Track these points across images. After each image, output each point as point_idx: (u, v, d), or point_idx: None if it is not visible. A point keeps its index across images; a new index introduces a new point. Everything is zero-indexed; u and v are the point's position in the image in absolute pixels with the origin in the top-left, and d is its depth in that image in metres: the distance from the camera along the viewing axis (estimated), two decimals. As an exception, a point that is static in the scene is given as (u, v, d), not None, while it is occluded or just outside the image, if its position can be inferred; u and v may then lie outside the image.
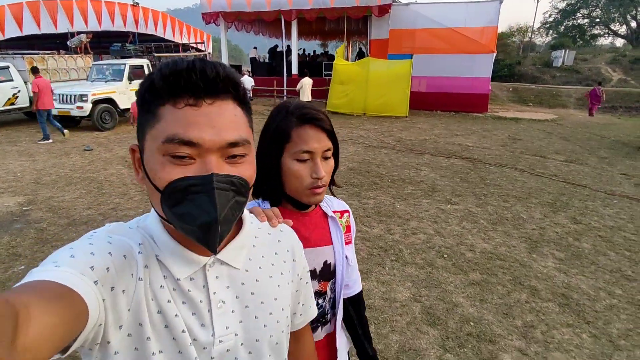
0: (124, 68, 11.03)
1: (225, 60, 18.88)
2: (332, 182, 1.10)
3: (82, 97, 9.96)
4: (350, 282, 1.18)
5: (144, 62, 11.84)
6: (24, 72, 10.98)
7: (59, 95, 10.14)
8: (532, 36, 47.56)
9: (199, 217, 0.53)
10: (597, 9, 42.35)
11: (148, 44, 16.69)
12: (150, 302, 0.57)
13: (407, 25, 15.19)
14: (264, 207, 0.98)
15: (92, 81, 11.22)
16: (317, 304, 1.02)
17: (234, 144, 0.56)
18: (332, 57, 17.22)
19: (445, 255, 3.74)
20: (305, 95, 11.74)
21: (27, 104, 11.01)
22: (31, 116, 11.73)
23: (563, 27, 44.74)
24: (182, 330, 0.59)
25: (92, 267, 0.50)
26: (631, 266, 3.61)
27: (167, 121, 0.53)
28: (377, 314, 2.87)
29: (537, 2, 46.21)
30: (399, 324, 2.76)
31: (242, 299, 0.66)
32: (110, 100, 10.51)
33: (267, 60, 20.82)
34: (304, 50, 21.97)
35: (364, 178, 6.22)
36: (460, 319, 2.81)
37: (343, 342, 1.17)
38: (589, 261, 3.70)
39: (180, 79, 0.53)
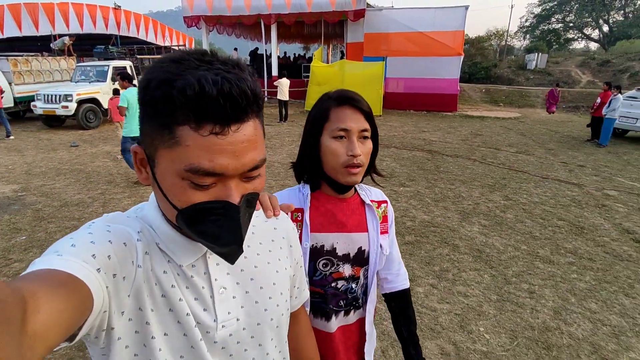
0: (108, 69, 11.50)
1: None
2: (374, 170, 1.13)
3: (67, 97, 10.40)
4: (391, 275, 1.19)
5: (126, 63, 12.31)
6: (8, 74, 11.33)
7: (44, 95, 10.55)
8: (507, 40, 49.26)
9: (221, 238, 0.55)
10: (571, 14, 43.91)
11: (130, 46, 17.10)
12: (153, 287, 0.58)
13: (380, 29, 15.99)
14: (304, 191, 1.08)
15: (76, 82, 11.65)
16: (351, 288, 1.09)
17: (254, 168, 0.56)
18: (312, 60, 17.91)
19: (389, 224, 4.43)
20: (283, 95, 12.38)
21: (12, 104, 11.36)
22: (15, 116, 12.09)
23: (539, 31, 46.13)
24: (187, 314, 0.60)
25: (93, 255, 0.51)
26: (540, 230, 4.37)
27: (189, 148, 0.51)
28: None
29: (512, 7, 47.98)
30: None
31: (242, 284, 0.68)
32: (94, 100, 10.98)
33: (248, 63, 21.39)
34: (285, 52, 22.62)
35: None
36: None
37: (374, 333, 1.20)
38: (507, 227, 4.44)
39: (208, 106, 0.50)
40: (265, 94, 17.44)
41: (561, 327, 2.72)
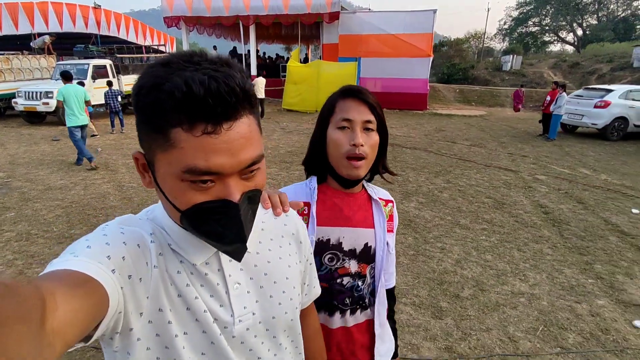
0: (88, 67, 11.88)
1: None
2: (385, 167, 1.13)
3: (47, 94, 10.75)
4: (387, 274, 1.16)
5: (106, 62, 12.70)
6: (-11, 71, 11.61)
7: (25, 92, 10.89)
8: (485, 42, 50.73)
9: (225, 236, 0.56)
10: (547, 18, 45.34)
11: (110, 45, 17.43)
12: (169, 287, 0.59)
13: (354, 31, 16.72)
14: (311, 185, 1.07)
15: (56, 79, 11.96)
16: (357, 286, 1.07)
17: (252, 164, 0.57)
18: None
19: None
20: (259, 93, 12.94)
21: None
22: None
23: (517, 34, 47.28)
24: (204, 311, 0.61)
25: (108, 256, 0.52)
26: (467, 205, 5.10)
27: (184, 150, 0.51)
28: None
29: (488, 11, 49.44)
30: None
31: (256, 279, 0.69)
32: (74, 97, 11.33)
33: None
34: (264, 53, 23.17)
35: (296, 157, 7.53)
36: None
37: (387, 334, 1.17)
38: (440, 203, 5.16)
39: (196, 106, 0.50)
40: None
41: (457, 271, 3.42)
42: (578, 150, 9.19)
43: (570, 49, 46.46)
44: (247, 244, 0.62)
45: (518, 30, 47.43)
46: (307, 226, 1.02)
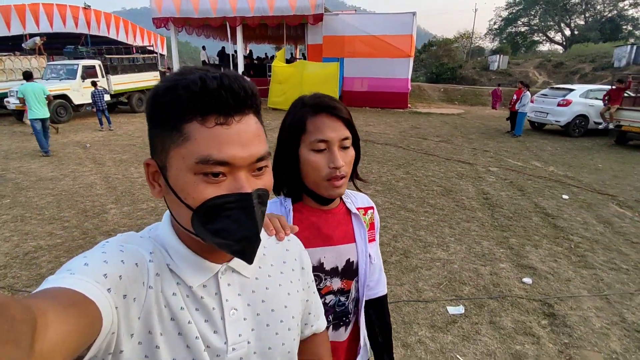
0: (77, 68, 12.36)
1: (176, 63, 20.29)
2: (356, 175, 1.09)
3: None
4: (372, 282, 1.15)
5: (95, 62, 13.18)
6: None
7: (17, 92, 11.32)
8: (473, 42, 51.55)
9: (238, 232, 0.56)
10: (536, 18, 46.02)
11: (100, 46, 17.86)
12: (162, 309, 0.58)
13: (338, 32, 17.31)
14: (286, 205, 1.03)
15: (47, 79, 12.43)
16: (340, 301, 1.05)
17: (261, 159, 0.58)
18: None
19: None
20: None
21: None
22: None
23: (506, 34, 47.90)
24: (196, 337, 0.60)
25: (105, 274, 0.51)
26: (418, 192, 5.72)
27: (197, 140, 0.54)
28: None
29: (475, 11, 50.25)
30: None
31: (253, 306, 0.67)
32: (64, 97, 11.82)
33: (216, 62, 22.39)
34: (250, 52, 23.69)
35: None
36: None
37: (366, 346, 1.15)
38: (394, 191, 5.77)
39: (211, 98, 0.54)
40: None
41: (391, 243, 4.04)
42: (538, 145, 9.88)
43: (559, 48, 47.25)
44: (247, 271, 0.66)
45: (508, 30, 48.08)
46: None
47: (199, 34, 22.05)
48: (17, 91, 11.02)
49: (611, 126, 10.32)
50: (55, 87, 11.70)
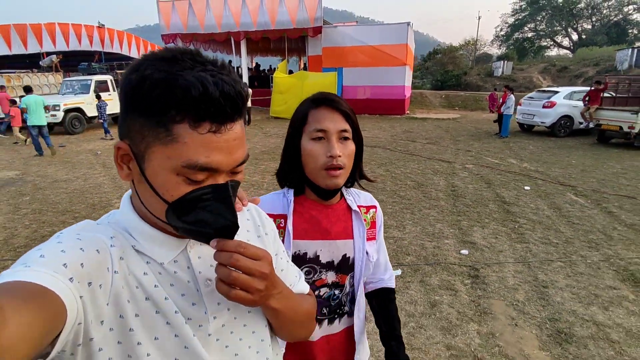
0: (90, 83, 13.31)
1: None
2: (361, 174, 1.14)
3: (55, 107, 12.15)
4: (375, 280, 1.20)
5: (107, 77, 14.14)
6: (3, 88, 13.07)
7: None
8: (478, 49, 51.92)
9: (215, 222, 0.56)
10: (542, 24, 46.28)
11: (112, 62, 18.97)
12: (134, 291, 0.58)
13: (336, 44, 18.08)
14: (288, 196, 1.06)
15: (63, 94, 13.42)
16: (334, 295, 1.07)
17: (242, 163, 0.60)
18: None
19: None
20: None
21: (2, 115, 13.07)
22: (8, 125, 13.79)
23: (513, 40, 48.07)
24: (175, 311, 0.60)
25: (64, 264, 0.49)
26: (392, 186, 6.29)
27: (187, 145, 0.54)
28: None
29: (479, 19, 50.73)
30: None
31: None
32: (79, 110, 12.76)
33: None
34: (255, 64, 24.64)
35: (267, 156, 8.77)
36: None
37: (363, 342, 1.15)
38: (370, 186, 6.29)
39: (210, 106, 0.53)
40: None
41: (354, 226, 4.61)
42: (520, 145, 10.35)
43: (568, 53, 47.11)
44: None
45: (514, 36, 48.29)
46: (283, 240, 1.00)
47: (206, 49, 23.06)
48: (53, 105, 12.21)
49: (591, 125, 10.76)
50: (71, 101, 12.66)
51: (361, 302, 1.11)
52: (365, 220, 1.11)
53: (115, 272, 0.56)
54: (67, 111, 12.37)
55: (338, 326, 1.10)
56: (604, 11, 44.03)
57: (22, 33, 20.84)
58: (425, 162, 8.07)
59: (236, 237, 0.63)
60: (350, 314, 1.12)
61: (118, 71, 15.18)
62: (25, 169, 7.73)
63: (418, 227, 4.59)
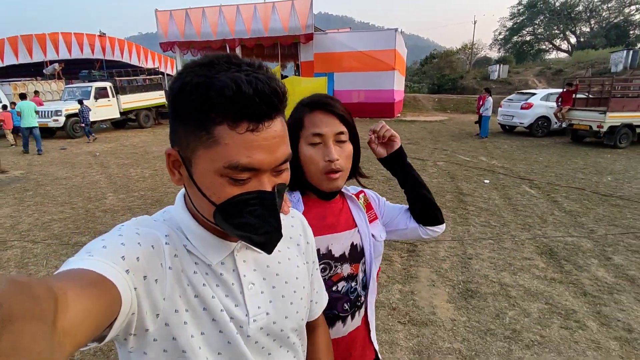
0: (91, 89, 13.99)
1: (181, 81, 21.98)
2: (359, 172, 1.17)
3: (57, 112, 12.84)
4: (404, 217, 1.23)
5: (107, 84, 14.81)
6: (10, 96, 13.77)
7: (39, 111, 12.97)
8: (477, 53, 52.56)
9: (261, 227, 0.58)
10: (540, 27, 46.59)
11: (112, 70, 19.71)
12: (186, 287, 0.61)
13: (327, 50, 18.73)
14: (295, 195, 1.08)
15: (64, 100, 14.09)
16: (351, 288, 1.08)
17: (284, 161, 0.61)
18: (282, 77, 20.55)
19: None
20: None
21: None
22: (14, 130, 14.48)
23: (512, 43, 48.45)
24: (221, 310, 0.63)
25: (123, 256, 0.53)
26: (363, 181, 6.83)
27: (228, 146, 0.55)
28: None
29: (474, 23, 51.31)
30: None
31: (268, 280, 0.72)
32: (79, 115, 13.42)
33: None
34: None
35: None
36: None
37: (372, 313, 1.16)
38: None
39: (245, 105, 0.54)
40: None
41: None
42: (496, 145, 10.91)
43: (567, 56, 47.40)
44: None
45: (513, 40, 48.61)
46: None
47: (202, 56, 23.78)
48: (55, 111, 13.02)
49: (564, 125, 11.31)
50: (72, 106, 13.32)
51: (373, 287, 1.13)
52: (359, 205, 1.14)
53: (169, 268, 0.60)
54: (68, 116, 13.03)
55: (358, 319, 1.11)
56: (603, 13, 44.32)
57: (28, 43, 21.67)
58: (401, 160, 8.61)
59: (279, 247, 0.69)
60: (365, 303, 1.13)
61: (117, 78, 15.85)
62: (29, 169, 8.35)
63: (376, 214, 5.14)
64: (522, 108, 12.38)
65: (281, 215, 0.70)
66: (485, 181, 6.76)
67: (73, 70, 23.48)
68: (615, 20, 43.06)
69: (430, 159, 8.75)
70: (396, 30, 17.79)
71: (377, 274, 1.17)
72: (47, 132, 13.30)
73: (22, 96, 11.21)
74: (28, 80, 15.41)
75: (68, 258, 0.51)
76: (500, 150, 10.04)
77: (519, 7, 47.51)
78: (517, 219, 4.95)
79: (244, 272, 0.68)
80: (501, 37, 50.18)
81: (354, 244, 1.08)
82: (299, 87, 17.25)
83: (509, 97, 13.79)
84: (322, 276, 0.97)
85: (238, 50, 20.00)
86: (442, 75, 37.16)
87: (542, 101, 12.30)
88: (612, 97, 10.12)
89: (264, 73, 0.56)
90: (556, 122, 11.94)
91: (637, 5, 40.37)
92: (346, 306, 1.07)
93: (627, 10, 41.50)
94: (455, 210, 5.30)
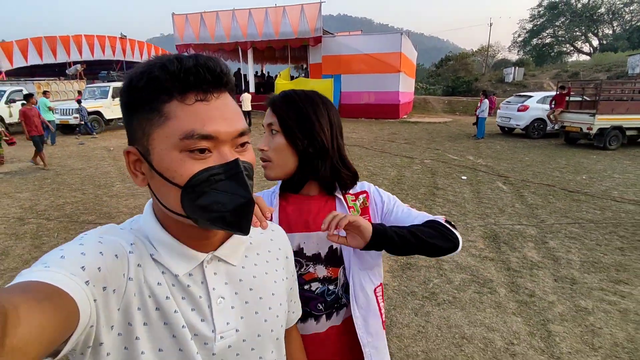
0: (109, 89, 14.93)
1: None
2: (346, 166, 1.10)
3: (77, 111, 13.78)
4: (420, 218, 1.09)
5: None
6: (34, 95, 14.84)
7: (60, 109, 13.96)
8: (493, 55, 52.25)
9: (231, 201, 0.56)
10: (561, 29, 46.34)
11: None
12: (146, 300, 0.58)
13: (335, 52, 19.33)
14: (275, 191, 1.09)
15: (85, 99, 15.06)
16: (329, 290, 1.05)
17: (242, 133, 0.60)
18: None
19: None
20: (246, 106, 15.60)
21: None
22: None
23: (531, 46, 48.25)
24: (182, 326, 0.60)
25: (82, 267, 0.50)
26: (347, 175, 7.38)
27: (179, 118, 0.55)
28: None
29: (490, 26, 51.02)
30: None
31: (241, 294, 0.68)
32: (98, 112, 14.36)
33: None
34: (261, 71, 26.25)
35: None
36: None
37: (368, 336, 1.08)
38: (330, 174, 7.46)
39: (189, 76, 0.55)
40: (241, 106, 20.84)
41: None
42: (489, 145, 11.28)
43: (588, 58, 46.60)
44: (233, 259, 0.67)
45: (532, 42, 48.37)
46: None
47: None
48: (76, 109, 14.04)
49: (557, 127, 11.59)
50: (91, 105, 14.27)
51: (360, 297, 1.05)
52: (352, 207, 1.08)
53: (130, 278, 0.57)
54: (87, 114, 13.96)
55: (337, 319, 1.08)
56: (626, 16, 43.65)
57: (52, 44, 23.00)
58: (390, 158, 9.13)
59: (255, 260, 0.72)
60: (348, 305, 1.07)
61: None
62: (49, 161, 9.19)
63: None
64: (518, 110, 12.70)
65: (259, 229, 0.75)
66: (463, 177, 7.21)
67: (95, 70, 24.73)
68: (638, 23, 42.28)
69: (419, 157, 9.21)
70: (402, 33, 18.25)
71: (375, 291, 1.09)
72: (68, 129, 14.30)
73: (44, 94, 12.38)
74: (52, 80, 16.49)
75: (71, 239, 0.54)
76: (491, 150, 10.41)
77: (539, 9, 47.06)
78: (477, 209, 5.42)
79: (214, 284, 0.65)
80: (520, 39, 49.86)
81: (334, 247, 1.05)
82: (306, 88, 17.91)
83: (507, 99, 14.09)
84: None
85: (250, 52, 20.83)
86: (457, 77, 37.20)
87: (538, 104, 12.59)
88: (601, 100, 10.38)
89: (214, 57, 0.59)
90: (551, 125, 12.21)
91: None
92: (320, 306, 1.05)
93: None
94: (423, 201, 5.79)
